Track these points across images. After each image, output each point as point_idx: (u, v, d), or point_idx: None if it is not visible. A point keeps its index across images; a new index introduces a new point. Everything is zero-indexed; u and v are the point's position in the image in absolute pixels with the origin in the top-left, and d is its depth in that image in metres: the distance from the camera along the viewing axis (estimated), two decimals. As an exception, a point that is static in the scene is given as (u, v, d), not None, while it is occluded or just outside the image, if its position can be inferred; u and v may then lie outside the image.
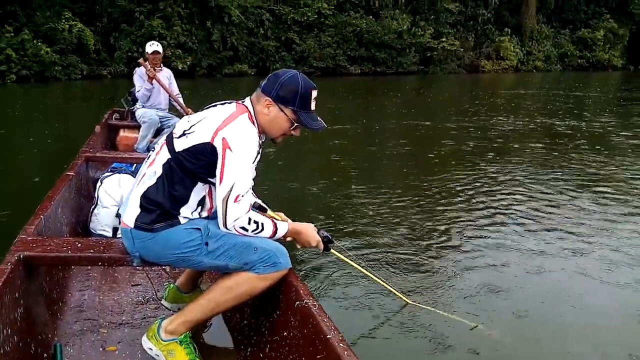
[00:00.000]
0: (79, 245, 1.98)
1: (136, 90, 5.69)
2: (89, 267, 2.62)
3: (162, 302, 2.27)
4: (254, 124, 1.86)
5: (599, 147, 7.85)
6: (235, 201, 1.74)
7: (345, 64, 29.46)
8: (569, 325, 2.73)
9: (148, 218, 1.81)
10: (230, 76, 25.35)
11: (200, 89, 18.37)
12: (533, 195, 5.10)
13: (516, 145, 8.06)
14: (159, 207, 1.81)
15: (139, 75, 5.65)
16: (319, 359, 1.57)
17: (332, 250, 2.12)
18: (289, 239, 1.98)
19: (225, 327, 2.22)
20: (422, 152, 7.65)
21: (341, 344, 1.51)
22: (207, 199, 1.89)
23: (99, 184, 3.20)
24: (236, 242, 1.83)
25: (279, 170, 6.18)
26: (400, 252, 3.62)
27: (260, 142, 1.91)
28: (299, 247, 2.03)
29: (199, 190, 1.85)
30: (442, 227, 4.17)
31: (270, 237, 1.86)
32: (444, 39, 32.78)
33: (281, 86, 1.86)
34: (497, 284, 3.12)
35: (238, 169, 1.74)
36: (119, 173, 3.26)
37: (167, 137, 1.90)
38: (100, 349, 1.98)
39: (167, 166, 1.83)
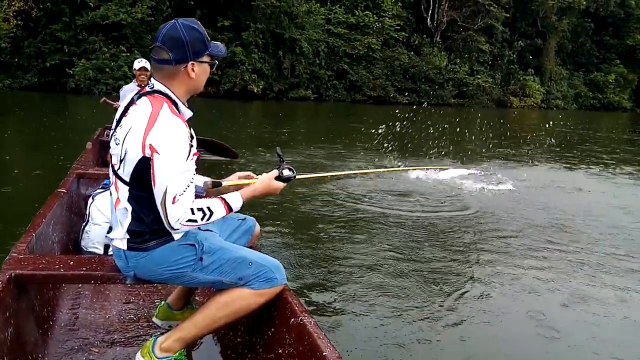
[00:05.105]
0: (71, 263, 1.93)
1: None
2: (80, 285, 2.56)
3: (153, 319, 2.22)
4: (175, 113, 1.73)
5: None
6: (173, 202, 1.68)
7: (394, 94, 33.04)
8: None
9: (139, 239, 1.78)
10: (294, 100, 28.75)
11: (271, 110, 21.75)
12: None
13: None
14: (148, 232, 1.78)
15: (124, 93, 5.75)
16: None
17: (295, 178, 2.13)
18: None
19: (218, 345, 2.17)
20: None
21: None
22: None
23: (90, 200, 3.15)
24: (230, 257, 1.83)
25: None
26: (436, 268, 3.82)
27: (190, 130, 1.76)
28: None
29: None
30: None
31: (228, 214, 1.83)
32: (478, 76, 36.88)
33: (190, 44, 1.74)
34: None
35: (168, 171, 1.66)
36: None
37: (112, 170, 1.82)
38: None
39: (132, 199, 1.77)
